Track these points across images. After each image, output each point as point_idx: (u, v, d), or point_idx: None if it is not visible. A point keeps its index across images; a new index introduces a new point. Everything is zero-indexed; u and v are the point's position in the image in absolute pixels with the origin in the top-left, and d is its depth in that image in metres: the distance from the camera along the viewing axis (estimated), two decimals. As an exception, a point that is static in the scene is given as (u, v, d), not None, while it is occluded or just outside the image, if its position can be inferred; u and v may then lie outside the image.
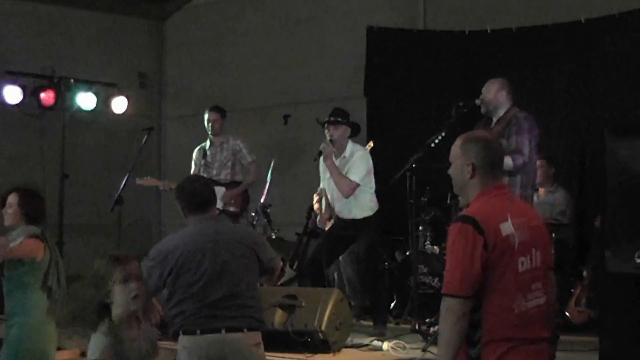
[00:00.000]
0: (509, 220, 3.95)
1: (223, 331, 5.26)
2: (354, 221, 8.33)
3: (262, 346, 5.48)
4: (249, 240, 5.56)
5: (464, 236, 3.87)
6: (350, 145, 8.41)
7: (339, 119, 8.36)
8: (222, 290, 5.30)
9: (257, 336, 5.41)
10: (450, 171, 4.21)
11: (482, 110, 7.86)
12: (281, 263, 5.90)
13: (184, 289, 5.30)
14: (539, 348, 4.00)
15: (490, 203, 4.02)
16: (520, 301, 3.91)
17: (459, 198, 7.80)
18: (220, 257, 5.34)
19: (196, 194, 5.54)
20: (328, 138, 8.34)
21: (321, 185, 8.55)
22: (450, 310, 3.85)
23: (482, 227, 3.86)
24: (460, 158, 4.11)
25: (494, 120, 7.81)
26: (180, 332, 5.33)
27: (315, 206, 8.49)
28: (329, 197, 8.47)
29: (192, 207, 5.52)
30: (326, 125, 8.38)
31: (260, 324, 5.46)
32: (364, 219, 8.38)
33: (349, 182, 8.22)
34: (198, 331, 5.26)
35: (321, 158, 8.42)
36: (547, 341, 4.07)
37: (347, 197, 8.27)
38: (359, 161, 8.32)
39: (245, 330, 5.33)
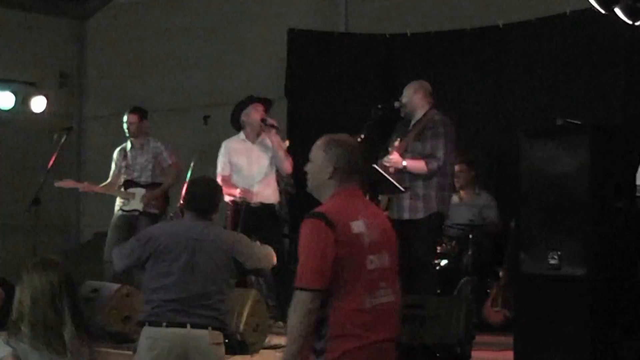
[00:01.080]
0: (360, 219, 4.06)
1: (188, 326, 5.40)
2: (268, 206, 8.61)
3: (223, 347, 5.62)
4: (230, 247, 5.68)
5: (315, 232, 3.96)
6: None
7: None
8: (192, 289, 5.45)
9: (219, 336, 5.57)
10: (309, 169, 4.30)
11: (402, 112, 7.95)
12: (274, 256, 6.07)
13: (157, 278, 5.49)
14: (383, 347, 4.09)
15: (343, 202, 4.12)
16: (366, 298, 4.00)
17: (380, 198, 7.95)
18: (196, 257, 5.50)
19: (194, 198, 5.76)
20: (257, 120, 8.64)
21: (221, 171, 8.72)
22: (302, 303, 3.93)
23: (334, 223, 3.96)
24: (321, 158, 4.20)
25: (412, 122, 7.91)
26: (146, 323, 5.47)
27: None
28: (238, 182, 8.65)
29: (189, 206, 5.76)
30: (265, 105, 8.75)
31: (225, 325, 5.62)
32: (273, 205, 8.71)
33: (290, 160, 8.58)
34: (164, 323, 5.40)
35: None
36: (392, 341, 4.17)
37: (289, 170, 8.64)
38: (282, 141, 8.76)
39: (209, 328, 5.47)
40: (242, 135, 8.77)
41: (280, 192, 9.12)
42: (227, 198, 8.53)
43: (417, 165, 7.64)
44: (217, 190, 5.90)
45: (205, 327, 5.45)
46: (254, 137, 8.73)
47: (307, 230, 4.01)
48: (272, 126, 8.64)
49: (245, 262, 5.69)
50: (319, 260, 3.94)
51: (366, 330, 4.01)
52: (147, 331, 5.46)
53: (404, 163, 7.64)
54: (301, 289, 3.96)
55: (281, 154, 8.63)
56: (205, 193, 5.77)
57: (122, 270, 5.87)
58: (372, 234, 4.08)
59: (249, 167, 8.68)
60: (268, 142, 8.68)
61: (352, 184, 4.21)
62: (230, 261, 5.61)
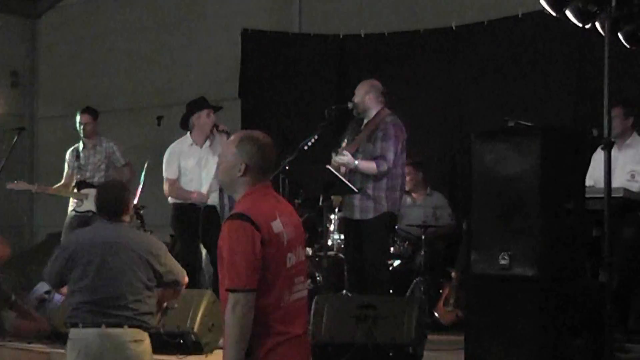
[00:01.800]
0: (278, 218, 4.12)
1: (103, 326, 5.48)
2: (213, 207, 8.57)
3: (144, 344, 5.65)
4: (144, 250, 5.70)
5: (243, 232, 4.01)
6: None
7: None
8: (104, 292, 5.53)
9: (137, 333, 5.59)
10: (220, 163, 4.36)
11: (355, 113, 7.98)
12: (186, 278, 5.97)
13: (74, 282, 5.59)
14: (302, 341, 4.22)
15: (260, 201, 4.16)
16: (286, 295, 4.09)
17: (332, 198, 7.98)
18: (108, 259, 5.57)
19: (105, 202, 5.80)
20: (210, 126, 8.58)
21: (168, 175, 8.66)
22: (239, 304, 3.97)
23: (258, 224, 4.02)
24: (233, 155, 4.22)
25: (365, 122, 7.94)
26: (67, 325, 5.60)
27: None
28: (186, 185, 8.62)
29: (100, 211, 5.83)
30: (215, 111, 8.68)
31: (142, 323, 5.63)
32: (214, 206, 8.66)
33: None
34: (81, 324, 5.50)
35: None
36: (304, 335, 4.28)
37: None
38: None
39: (125, 326, 5.53)
40: (189, 139, 8.67)
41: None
42: (172, 200, 8.57)
43: (368, 166, 7.67)
44: (126, 193, 5.94)
45: (120, 325, 5.53)
46: (202, 141, 8.68)
47: (235, 231, 4.04)
48: (224, 132, 8.55)
49: (164, 274, 5.74)
50: (250, 260, 3.99)
51: (287, 325, 4.10)
52: (70, 333, 5.59)
53: (356, 163, 7.67)
54: (237, 290, 3.99)
55: None
56: (115, 196, 5.82)
57: (59, 286, 5.93)
58: (289, 232, 4.16)
59: (197, 170, 8.64)
60: (217, 146, 8.60)
61: (265, 182, 4.25)
62: (146, 262, 5.66)
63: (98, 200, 5.85)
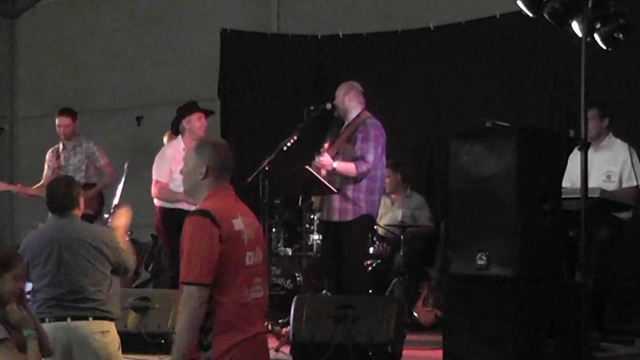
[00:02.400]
0: (240, 217, 4.25)
1: (69, 319, 5.65)
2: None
3: (110, 335, 5.82)
4: (97, 241, 5.85)
5: (202, 228, 4.13)
6: None
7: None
8: (65, 286, 5.69)
9: (103, 324, 5.77)
10: (183, 171, 4.48)
11: (335, 114, 8.01)
12: (134, 265, 6.18)
13: (36, 281, 5.75)
14: (261, 339, 4.36)
15: (222, 201, 4.31)
16: (246, 293, 4.21)
17: (313, 199, 8.00)
18: (63, 255, 5.74)
19: (54, 198, 5.91)
20: (200, 129, 8.42)
21: (159, 178, 8.50)
22: (191, 297, 4.09)
23: (218, 220, 4.13)
24: (194, 159, 4.38)
25: (345, 124, 7.96)
26: (38, 321, 5.59)
27: None
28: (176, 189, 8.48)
29: (50, 207, 5.94)
30: (200, 114, 8.49)
31: (107, 314, 5.80)
32: None
33: None
34: (47, 319, 5.61)
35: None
36: (264, 334, 4.44)
37: None
38: None
39: (90, 318, 5.71)
40: (181, 143, 8.52)
41: None
42: (160, 204, 8.46)
43: (347, 167, 7.68)
44: (75, 187, 6.01)
45: (85, 318, 5.69)
46: None
47: (193, 227, 4.16)
48: None
49: (116, 262, 5.92)
50: (206, 255, 4.10)
51: (247, 323, 4.22)
52: None
53: (334, 165, 7.67)
54: (190, 284, 4.10)
55: None
56: (64, 191, 5.91)
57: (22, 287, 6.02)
58: (249, 231, 4.28)
59: None
60: None
61: (226, 183, 4.40)
62: (102, 253, 5.82)
63: (47, 196, 5.93)
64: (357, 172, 7.64)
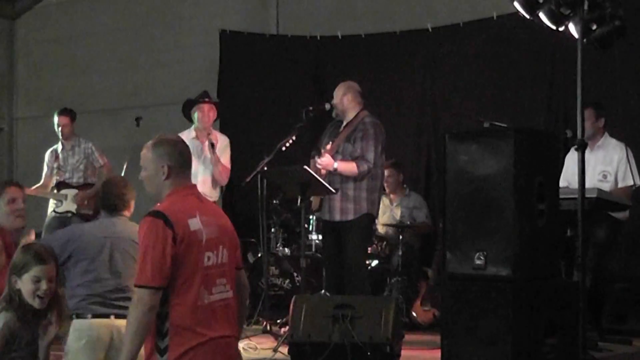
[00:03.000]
0: (197, 216, 4.20)
1: (112, 317, 5.64)
2: None
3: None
4: None
5: (154, 230, 4.08)
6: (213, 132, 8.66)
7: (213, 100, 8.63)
8: (111, 284, 5.68)
9: None
10: (143, 176, 4.43)
11: (334, 114, 8.03)
12: None
13: (79, 276, 5.68)
14: (223, 343, 4.23)
15: (180, 200, 4.27)
16: (204, 295, 4.15)
17: (312, 199, 8.01)
18: (113, 254, 5.72)
19: (107, 197, 5.94)
20: (203, 119, 8.54)
21: None
22: (141, 300, 4.05)
23: (172, 221, 4.09)
24: (153, 162, 4.34)
25: (344, 123, 7.98)
26: (73, 316, 5.66)
27: None
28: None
29: (104, 205, 5.97)
30: (202, 105, 8.55)
31: None
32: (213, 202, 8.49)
33: (228, 169, 8.49)
34: (89, 315, 5.62)
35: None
36: (233, 337, 4.33)
37: (224, 184, 8.56)
38: (228, 148, 8.61)
39: None
40: (192, 132, 8.63)
41: None
42: None
43: (348, 167, 7.69)
44: (129, 190, 6.01)
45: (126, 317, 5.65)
46: (204, 136, 8.63)
47: (146, 228, 4.12)
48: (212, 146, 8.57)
49: None
50: (158, 258, 4.05)
51: (205, 326, 4.14)
52: (75, 323, 5.67)
53: (335, 165, 7.68)
54: (141, 287, 4.07)
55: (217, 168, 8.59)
56: (117, 192, 5.94)
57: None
58: (209, 231, 4.22)
59: (196, 164, 8.33)
60: (218, 143, 8.63)
61: (186, 182, 4.38)
62: None
63: (102, 194, 5.97)
64: (358, 172, 7.65)
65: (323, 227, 8.26)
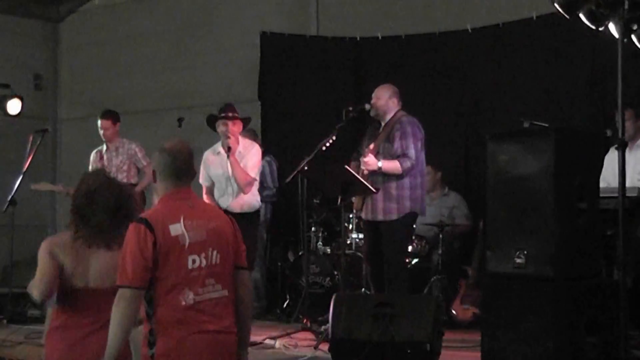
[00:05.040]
0: (181, 222, 4.38)
1: None
2: (243, 215, 8.19)
3: None
4: None
5: (136, 234, 4.29)
6: (242, 140, 8.46)
7: (236, 114, 8.38)
8: None
9: None
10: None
11: (372, 114, 8.07)
12: None
13: None
14: (215, 338, 4.40)
15: (167, 206, 4.45)
16: (189, 295, 4.33)
17: (353, 199, 8.07)
18: None
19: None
20: (225, 133, 8.28)
21: (202, 181, 8.47)
22: (122, 298, 4.27)
23: (153, 227, 4.29)
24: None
25: (382, 124, 8.03)
26: None
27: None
28: (215, 193, 8.48)
29: None
30: (223, 120, 8.33)
31: None
32: (253, 213, 8.45)
33: (250, 177, 8.28)
34: None
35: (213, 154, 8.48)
36: (227, 332, 4.47)
37: (247, 192, 8.30)
38: (255, 157, 8.39)
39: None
40: (218, 147, 8.51)
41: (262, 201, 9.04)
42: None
43: (392, 165, 7.74)
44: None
45: (139, 322, 5.71)
46: (226, 150, 8.45)
47: (130, 233, 4.33)
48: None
49: None
50: (138, 260, 4.26)
51: (191, 323, 4.32)
52: None
53: (380, 164, 7.74)
54: (122, 286, 4.28)
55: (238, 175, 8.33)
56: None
57: None
58: (194, 234, 4.40)
59: (223, 179, 8.40)
60: (245, 153, 8.43)
61: (180, 187, 4.53)
62: None
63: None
64: (402, 169, 7.71)
65: (365, 227, 8.28)
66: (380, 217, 7.82)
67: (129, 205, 4.95)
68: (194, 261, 4.37)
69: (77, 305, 4.86)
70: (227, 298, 4.46)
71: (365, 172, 7.80)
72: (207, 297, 4.39)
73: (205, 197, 8.45)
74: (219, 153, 8.50)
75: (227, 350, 4.49)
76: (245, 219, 8.31)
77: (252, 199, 8.46)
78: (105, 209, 4.88)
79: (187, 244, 4.36)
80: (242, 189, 8.30)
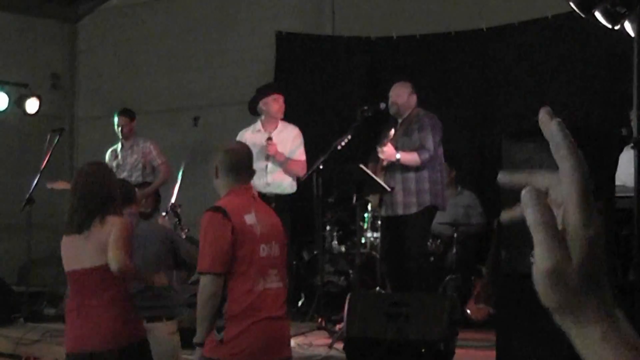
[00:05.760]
0: (253, 213, 4.56)
1: (144, 321, 5.57)
2: (279, 196, 8.44)
3: (178, 334, 5.92)
4: (164, 236, 6.11)
5: (214, 222, 4.45)
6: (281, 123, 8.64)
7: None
8: (138, 285, 5.65)
9: (174, 325, 5.91)
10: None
11: (392, 111, 8.08)
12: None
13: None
14: (273, 323, 4.57)
15: (237, 198, 4.62)
16: (259, 282, 4.49)
17: (370, 197, 8.07)
18: (142, 251, 5.77)
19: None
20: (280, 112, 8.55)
21: None
22: (204, 286, 4.42)
23: (230, 215, 4.44)
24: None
25: (400, 121, 8.04)
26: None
27: None
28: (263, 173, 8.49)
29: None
30: (277, 96, 8.60)
31: (177, 311, 6.02)
32: (287, 195, 8.60)
33: (297, 162, 8.49)
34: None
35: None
36: (282, 319, 4.67)
37: (300, 175, 8.49)
38: (297, 140, 8.60)
39: (164, 319, 5.81)
40: (258, 125, 8.61)
41: None
42: None
43: (410, 157, 7.74)
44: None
45: (160, 319, 5.79)
46: (272, 128, 8.62)
47: (207, 221, 4.49)
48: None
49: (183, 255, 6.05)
50: (217, 247, 4.42)
51: (258, 309, 4.48)
52: None
53: (398, 156, 7.74)
54: (203, 273, 4.44)
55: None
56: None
57: None
58: (263, 226, 4.58)
59: (260, 158, 8.31)
60: (286, 133, 8.59)
61: (242, 184, 4.72)
62: (170, 252, 5.97)
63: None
64: (420, 160, 7.70)
65: (382, 223, 8.28)
66: (400, 212, 7.82)
67: (104, 193, 4.96)
68: (263, 249, 4.55)
69: (71, 289, 5.04)
70: (282, 289, 4.67)
71: (384, 162, 7.80)
72: (271, 286, 4.56)
73: None
74: (259, 131, 8.56)
75: (286, 335, 4.77)
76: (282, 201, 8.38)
77: (289, 182, 8.63)
78: (76, 197, 4.96)
79: (259, 233, 4.54)
80: (297, 173, 8.52)
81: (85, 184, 4.96)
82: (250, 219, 4.55)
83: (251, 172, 4.83)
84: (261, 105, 8.59)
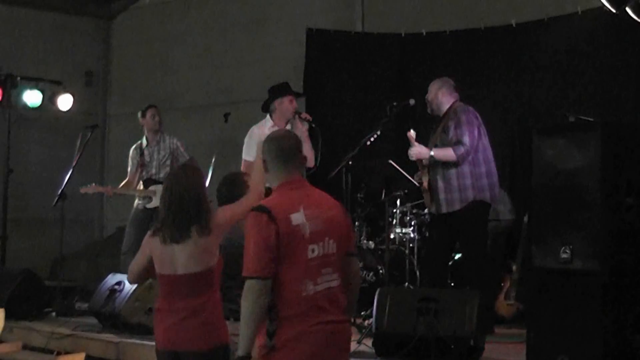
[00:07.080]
0: (301, 211, 4.32)
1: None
2: None
3: None
4: None
5: (258, 224, 4.24)
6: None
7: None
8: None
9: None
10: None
11: (428, 110, 8.08)
12: None
13: None
14: (330, 327, 4.31)
15: (286, 195, 4.40)
16: (309, 285, 4.27)
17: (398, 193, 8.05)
18: None
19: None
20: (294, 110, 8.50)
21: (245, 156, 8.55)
22: (249, 290, 4.19)
23: (275, 216, 4.23)
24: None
25: (440, 118, 8.04)
26: None
27: None
28: None
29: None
30: (292, 97, 8.56)
31: None
32: None
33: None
34: None
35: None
36: (342, 322, 4.41)
37: (311, 165, 8.33)
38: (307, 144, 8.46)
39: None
40: (269, 121, 8.61)
41: None
42: None
43: (445, 153, 7.70)
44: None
45: None
46: (282, 125, 8.57)
47: (251, 223, 4.28)
48: (306, 120, 8.50)
49: None
50: (263, 250, 4.20)
51: (310, 315, 4.25)
52: None
53: (431, 153, 7.72)
54: (248, 278, 4.22)
55: (307, 147, 8.25)
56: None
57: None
58: (313, 224, 4.33)
59: None
60: (297, 132, 8.62)
61: (291, 176, 4.47)
62: None
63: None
64: (456, 155, 7.65)
65: (431, 221, 8.26)
66: (443, 210, 7.79)
67: (192, 197, 5.00)
68: (312, 250, 4.30)
69: (161, 289, 5.04)
70: (338, 287, 4.39)
71: (425, 162, 7.78)
72: (324, 287, 4.32)
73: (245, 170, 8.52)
74: (272, 127, 8.49)
75: (344, 340, 4.49)
76: None
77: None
78: (165, 205, 5.01)
79: (307, 233, 4.30)
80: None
81: (170, 194, 5.03)
82: (297, 218, 4.30)
83: (302, 159, 4.57)
84: (275, 104, 8.58)
